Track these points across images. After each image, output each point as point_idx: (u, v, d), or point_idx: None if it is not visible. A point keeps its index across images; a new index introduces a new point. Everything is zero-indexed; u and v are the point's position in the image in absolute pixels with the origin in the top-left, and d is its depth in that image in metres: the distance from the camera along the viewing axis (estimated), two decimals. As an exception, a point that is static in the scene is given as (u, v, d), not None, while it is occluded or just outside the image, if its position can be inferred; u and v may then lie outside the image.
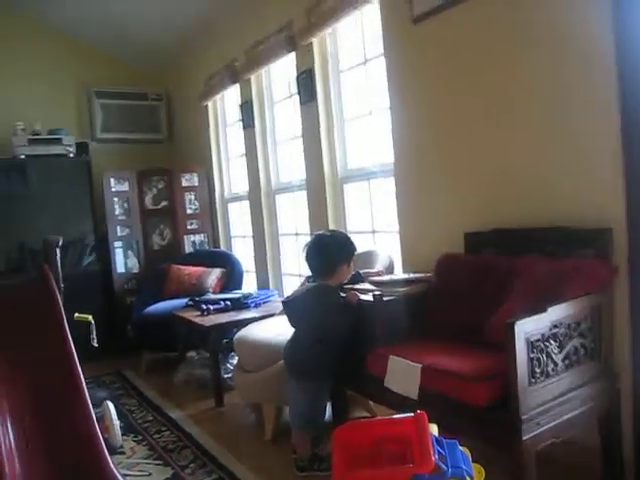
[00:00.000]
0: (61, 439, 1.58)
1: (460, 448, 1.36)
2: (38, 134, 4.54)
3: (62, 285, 2.32)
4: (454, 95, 2.52)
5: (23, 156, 4.44)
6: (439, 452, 1.27)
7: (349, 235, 2.56)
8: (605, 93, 1.93)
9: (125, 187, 4.79)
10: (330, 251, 2.36)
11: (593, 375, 1.85)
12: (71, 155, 4.64)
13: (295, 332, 2.41)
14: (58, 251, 2.44)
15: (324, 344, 2.28)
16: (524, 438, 1.58)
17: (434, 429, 1.37)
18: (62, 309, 1.83)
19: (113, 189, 4.74)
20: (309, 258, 2.38)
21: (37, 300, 1.83)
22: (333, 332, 2.28)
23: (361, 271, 2.57)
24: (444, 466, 1.24)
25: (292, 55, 3.58)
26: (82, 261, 4.63)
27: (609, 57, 1.90)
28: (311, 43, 3.37)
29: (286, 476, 2.34)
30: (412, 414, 1.32)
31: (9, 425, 1.54)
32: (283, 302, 2.61)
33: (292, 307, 2.45)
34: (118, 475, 1.57)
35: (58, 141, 4.58)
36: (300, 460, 2.34)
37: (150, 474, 2.46)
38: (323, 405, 2.38)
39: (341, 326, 2.27)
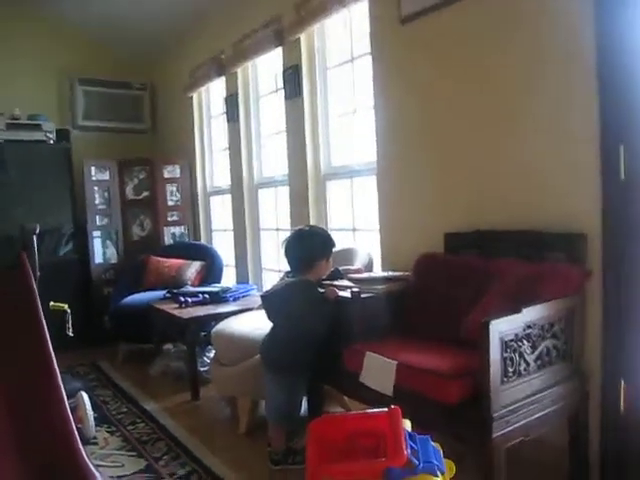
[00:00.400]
0: (35, 436, 1.56)
1: (432, 444, 1.40)
2: (17, 119, 4.45)
3: (38, 273, 2.29)
4: (438, 96, 2.55)
5: (1, 140, 4.34)
6: (412, 447, 1.30)
7: (330, 232, 2.57)
8: (585, 100, 1.97)
9: (106, 176, 4.75)
10: (309, 245, 2.37)
11: (564, 375, 1.89)
12: (51, 142, 4.55)
13: (273, 327, 2.42)
14: (35, 238, 2.40)
15: (301, 339, 2.29)
16: (494, 435, 1.61)
17: (407, 424, 1.39)
18: (38, 298, 1.81)
19: (93, 178, 4.69)
20: (288, 252, 2.39)
21: (13, 288, 1.81)
22: (311, 327, 2.29)
23: (340, 268, 2.59)
24: (416, 460, 1.27)
25: (279, 50, 3.57)
26: (59, 249, 4.56)
27: (590, 66, 1.94)
28: (299, 39, 3.37)
29: (260, 469, 2.34)
30: (386, 409, 1.34)
31: None
32: (261, 296, 2.61)
33: (270, 301, 2.45)
34: (92, 468, 1.56)
35: (38, 127, 4.49)
36: (274, 454, 2.35)
37: (123, 465, 2.44)
38: (299, 399, 2.39)
39: (319, 321, 2.29)
